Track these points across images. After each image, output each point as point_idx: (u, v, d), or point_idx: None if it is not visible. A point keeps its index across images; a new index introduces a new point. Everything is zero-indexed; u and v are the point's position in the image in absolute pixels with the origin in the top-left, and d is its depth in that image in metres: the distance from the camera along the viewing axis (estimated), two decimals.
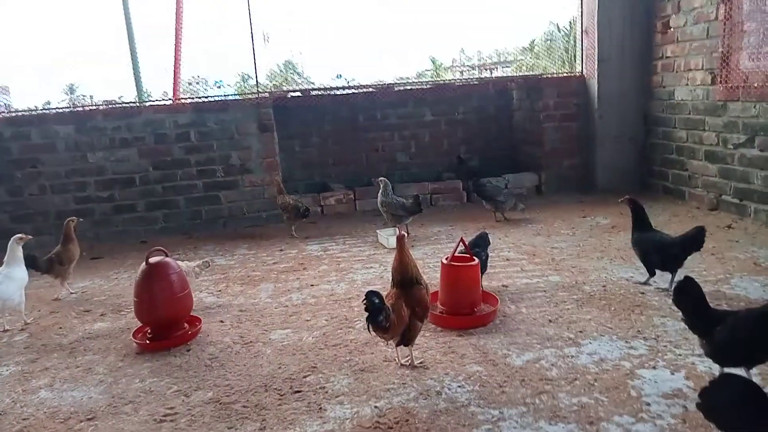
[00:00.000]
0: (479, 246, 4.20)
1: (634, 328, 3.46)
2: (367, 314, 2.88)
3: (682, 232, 4.16)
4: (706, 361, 2.99)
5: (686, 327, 3.35)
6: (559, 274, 4.52)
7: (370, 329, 2.95)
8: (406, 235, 3.29)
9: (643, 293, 4.01)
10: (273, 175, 6.70)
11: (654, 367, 3.00)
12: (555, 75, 7.86)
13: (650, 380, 2.87)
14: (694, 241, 3.90)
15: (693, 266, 4.46)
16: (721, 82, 5.91)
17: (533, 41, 9.55)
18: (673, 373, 2.92)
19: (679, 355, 3.10)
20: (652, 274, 4.14)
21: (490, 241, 4.45)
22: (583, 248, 5.17)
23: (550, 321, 3.66)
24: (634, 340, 3.32)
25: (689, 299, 2.74)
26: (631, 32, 7.11)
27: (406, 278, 3.13)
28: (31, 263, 4.46)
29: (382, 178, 6.07)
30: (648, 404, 2.66)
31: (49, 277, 4.81)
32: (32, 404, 3.05)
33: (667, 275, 4.06)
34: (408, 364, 3.15)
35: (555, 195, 7.45)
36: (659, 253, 4.02)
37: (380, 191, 5.96)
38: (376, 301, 2.86)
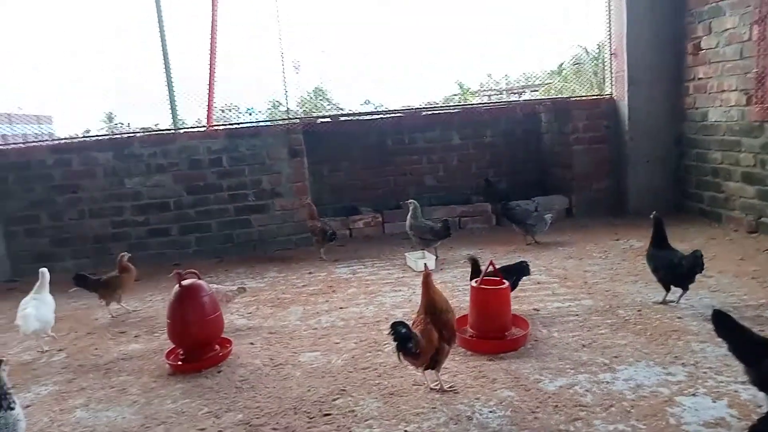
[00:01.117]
0: (515, 273, 4.18)
1: (672, 354, 3.36)
2: (396, 343, 2.88)
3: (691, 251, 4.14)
4: (750, 388, 2.87)
5: (727, 353, 3.26)
6: (592, 298, 4.43)
7: (401, 357, 2.95)
8: (432, 272, 3.30)
9: (680, 318, 3.89)
10: (304, 200, 6.80)
11: (694, 395, 2.89)
12: (584, 98, 7.81)
13: (690, 408, 2.77)
14: (694, 263, 3.97)
15: (733, 290, 4.33)
16: (756, 102, 5.79)
17: (561, 64, 9.54)
18: (714, 401, 2.81)
19: (721, 382, 2.99)
20: (666, 289, 4.16)
21: (530, 272, 4.39)
22: (617, 271, 5.07)
23: (583, 346, 3.57)
24: (672, 366, 3.21)
25: (725, 331, 2.64)
26: (661, 54, 7.04)
27: (434, 310, 3.12)
28: (80, 281, 4.88)
29: (411, 201, 6.09)
30: None
31: (95, 295, 4.99)
32: (68, 424, 3.11)
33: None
34: (438, 388, 3.12)
35: (585, 218, 7.34)
36: (667, 269, 4.11)
37: (410, 214, 5.98)
38: (403, 330, 2.88)
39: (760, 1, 5.57)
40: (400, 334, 2.86)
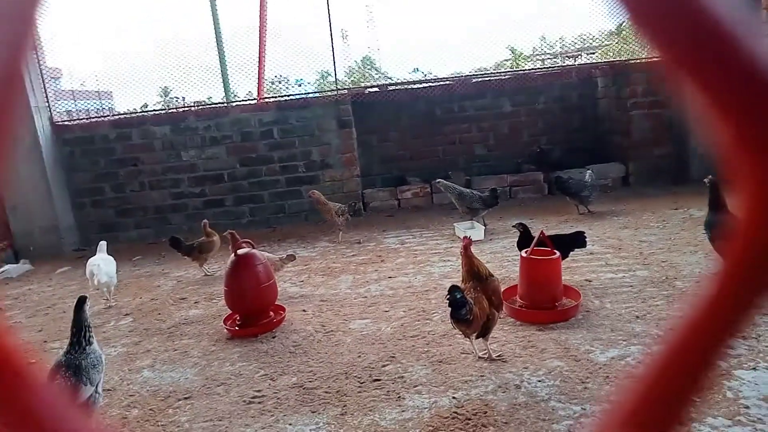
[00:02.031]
0: (571, 245, 4.12)
1: None
2: (450, 309, 2.91)
3: None
4: None
5: None
6: (647, 269, 4.30)
7: (454, 323, 2.98)
8: (471, 240, 3.31)
9: None
10: (310, 192, 6.22)
11: (754, 369, 2.79)
12: (644, 60, 7.43)
13: (749, 382, 2.68)
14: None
15: None
16: None
17: (620, 25, 9.07)
18: None
19: None
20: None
21: (586, 243, 4.30)
22: (675, 242, 4.89)
23: (637, 317, 3.49)
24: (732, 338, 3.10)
25: None
26: (731, 7, 6.57)
27: (479, 276, 3.17)
28: (175, 244, 5.29)
29: (439, 180, 6.10)
30: (747, 407, 2.49)
31: (188, 259, 5.38)
32: (137, 382, 3.34)
33: None
34: (486, 356, 3.14)
35: (644, 186, 7.07)
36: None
37: (449, 193, 5.97)
38: (459, 296, 2.90)
39: None
40: (456, 299, 2.88)
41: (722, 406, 2.52)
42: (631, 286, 4.01)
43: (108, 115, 7.69)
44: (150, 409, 3.01)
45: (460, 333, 3.12)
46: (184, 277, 5.40)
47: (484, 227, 5.72)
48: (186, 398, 3.09)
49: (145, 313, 4.50)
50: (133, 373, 3.45)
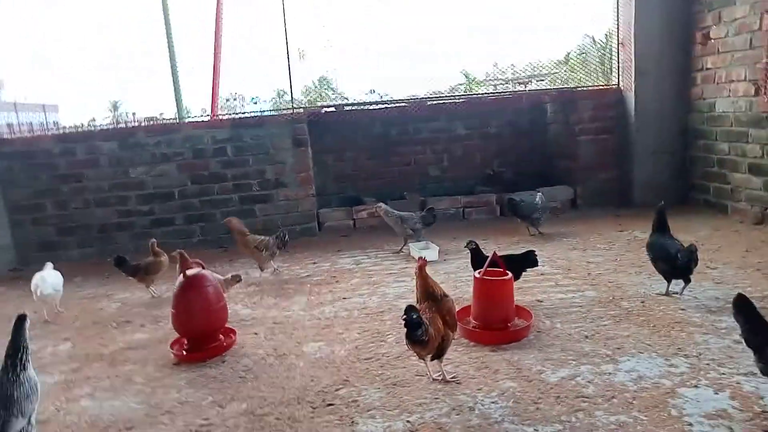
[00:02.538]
0: (524, 264, 4.23)
1: (675, 345, 3.36)
2: (406, 329, 2.90)
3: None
4: (752, 380, 2.88)
5: (730, 345, 3.28)
6: (595, 289, 4.43)
7: (409, 344, 2.97)
8: (426, 261, 3.33)
9: (683, 309, 3.89)
10: (227, 222, 5.63)
11: (696, 386, 2.90)
12: (590, 88, 7.75)
13: (692, 399, 2.77)
14: (689, 258, 3.96)
15: (737, 282, 4.32)
16: (765, 93, 5.73)
17: (568, 54, 9.45)
18: (716, 393, 2.81)
19: (723, 373, 2.99)
20: (667, 281, 4.16)
21: (537, 263, 4.40)
22: (621, 263, 5.06)
23: (586, 337, 3.58)
24: (675, 357, 3.21)
25: (740, 316, 2.69)
26: (670, 44, 6.97)
27: (433, 296, 3.18)
28: (120, 264, 5.10)
29: (380, 204, 6.18)
30: (690, 425, 2.57)
31: (133, 280, 5.19)
32: (74, 412, 3.15)
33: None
34: (440, 378, 3.13)
35: (591, 209, 7.31)
36: (665, 261, 4.10)
37: (385, 216, 6.02)
38: (414, 316, 2.89)
39: None
40: (412, 320, 2.87)
41: (667, 424, 2.59)
42: (580, 306, 4.11)
43: (52, 129, 7.37)
44: None
45: (415, 354, 3.11)
46: (129, 299, 5.18)
47: (438, 248, 5.76)
48: (128, 429, 2.94)
49: (86, 338, 4.28)
50: (70, 403, 3.26)
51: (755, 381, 2.86)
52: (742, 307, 2.70)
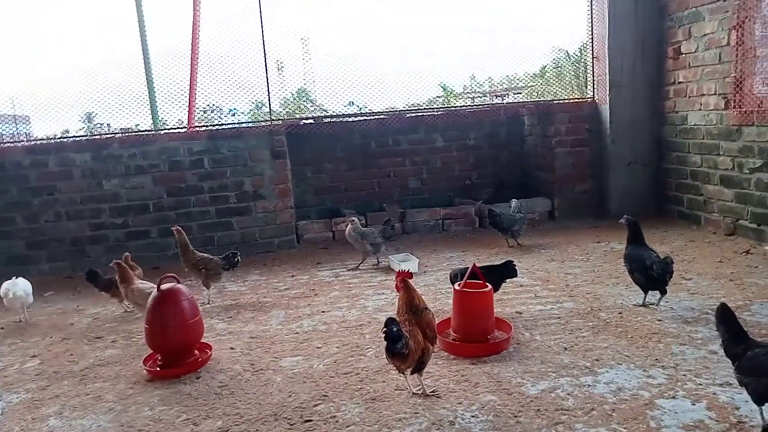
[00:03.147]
0: (505, 275, 4.24)
1: (652, 357, 3.38)
2: (386, 342, 2.86)
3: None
4: (728, 390, 2.91)
5: (706, 355, 3.31)
6: (573, 301, 4.45)
7: (389, 358, 2.93)
8: (411, 274, 3.31)
9: (660, 320, 3.92)
10: (175, 227, 5.32)
11: (673, 397, 2.91)
12: (566, 101, 7.87)
13: (670, 411, 2.78)
14: (665, 269, 4.00)
15: (712, 293, 4.38)
16: (734, 106, 5.88)
17: (544, 67, 9.60)
18: (693, 404, 2.83)
19: (700, 384, 3.01)
20: (644, 291, 4.19)
21: (516, 273, 4.40)
22: (598, 274, 5.10)
23: (565, 349, 3.58)
24: (653, 368, 3.23)
25: (722, 325, 2.73)
26: (643, 58, 7.13)
27: (415, 309, 3.14)
28: (92, 278, 5.00)
29: (353, 218, 6.08)
30: None
31: (106, 294, 5.06)
32: None
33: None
34: (420, 392, 3.09)
35: (568, 220, 7.39)
36: (641, 272, 4.13)
37: (351, 229, 5.86)
38: (395, 329, 2.86)
39: (738, 7, 5.66)
40: (392, 332, 2.83)
41: None
42: (558, 317, 4.12)
43: (22, 140, 7.19)
44: None
45: (395, 368, 3.07)
46: (101, 314, 5.04)
47: (417, 260, 5.74)
48: None
49: (56, 354, 4.14)
50: (37, 422, 3.14)
51: (731, 391, 2.88)
52: (724, 316, 2.73)
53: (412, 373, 3.08)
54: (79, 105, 7.75)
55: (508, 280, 4.41)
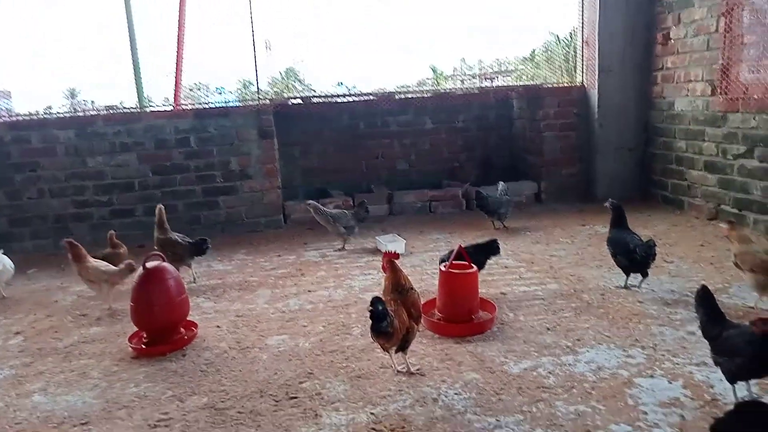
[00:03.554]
0: (490, 253, 4.27)
1: (632, 337, 3.44)
2: (371, 321, 2.89)
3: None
4: (703, 370, 2.98)
5: (684, 336, 3.38)
6: (557, 282, 4.51)
7: (374, 336, 2.96)
8: (399, 255, 3.36)
9: (641, 302, 3.99)
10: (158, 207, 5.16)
11: (651, 376, 2.98)
12: (555, 85, 7.87)
13: (647, 389, 2.85)
14: (648, 252, 4.05)
15: (692, 275, 4.46)
16: (721, 93, 5.92)
17: (534, 51, 9.58)
18: (670, 382, 2.90)
19: (677, 363, 3.08)
20: (626, 274, 4.25)
21: (500, 251, 4.47)
22: (582, 256, 5.16)
23: (548, 329, 3.64)
24: (632, 348, 3.30)
25: (701, 307, 2.81)
26: (632, 43, 7.13)
27: (401, 289, 3.18)
28: None
29: (310, 202, 6.00)
30: (645, 413, 2.64)
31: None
32: (25, 409, 3.03)
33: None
34: (405, 371, 3.14)
35: (554, 204, 7.44)
36: (624, 255, 4.19)
37: (313, 211, 5.84)
38: (380, 308, 2.88)
39: None
40: (378, 311, 2.86)
41: (624, 413, 2.66)
42: (542, 298, 4.17)
43: (4, 116, 7.06)
44: None
45: (380, 347, 3.10)
46: (85, 291, 4.99)
47: (404, 241, 5.77)
48: (83, 424, 2.85)
49: (39, 332, 4.12)
50: (21, 398, 3.14)
51: (706, 370, 2.96)
52: (704, 298, 2.80)
53: (396, 351, 3.11)
54: (64, 81, 7.63)
55: (493, 260, 4.47)
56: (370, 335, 3.04)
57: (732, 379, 2.60)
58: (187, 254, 4.95)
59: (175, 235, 5.03)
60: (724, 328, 2.67)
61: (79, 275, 4.50)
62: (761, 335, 2.42)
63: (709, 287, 2.87)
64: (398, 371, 3.14)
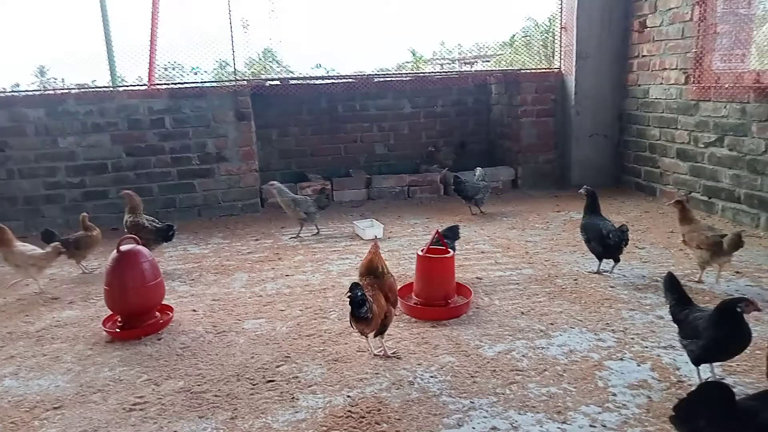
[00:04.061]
0: (448, 237, 4.27)
1: (603, 321, 3.53)
2: (350, 307, 2.91)
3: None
4: (671, 353, 3.08)
5: (653, 320, 3.48)
6: (532, 267, 4.58)
7: (353, 322, 2.99)
8: (379, 240, 3.41)
9: (612, 287, 4.09)
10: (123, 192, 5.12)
11: (621, 359, 3.07)
12: (533, 70, 7.91)
13: (617, 371, 2.94)
14: (621, 237, 4.16)
15: (662, 261, 4.58)
16: (693, 82, 6.03)
17: (513, 36, 9.60)
18: (639, 365, 2.99)
19: (646, 347, 3.18)
20: (599, 259, 4.34)
21: (460, 234, 4.54)
22: (556, 242, 5.25)
23: (522, 313, 3.71)
24: (603, 332, 3.38)
25: (669, 292, 2.92)
26: (609, 30, 7.19)
27: (377, 273, 3.21)
28: (48, 238, 4.71)
29: (273, 182, 5.84)
30: (614, 394, 2.73)
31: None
32: None
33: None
34: (381, 354, 3.17)
35: (531, 189, 7.53)
36: (597, 241, 4.28)
37: (277, 192, 5.73)
38: (359, 293, 2.90)
39: None
40: (357, 297, 2.88)
41: (594, 394, 2.74)
42: (517, 283, 4.24)
43: None
44: (11, 422, 2.71)
45: (357, 331, 3.12)
46: (57, 275, 4.92)
47: (382, 226, 5.78)
48: (56, 408, 2.82)
49: (10, 315, 4.05)
50: None
51: (674, 353, 3.06)
52: (671, 283, 2.90)
53: (375, 336, 3.14)
54: (32, 58, 7.40)
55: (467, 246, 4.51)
56: (348, 321, 3.06)
57: (696, 362, 2.70)
58: (153, 239, 4.81)
59: (146, 219, 4.94)
60: (691, 311, 2.76)
61: (5, 260, 4.41)
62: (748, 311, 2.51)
63: (678, 273, 2.96)
64: (375, 355, 3.18)
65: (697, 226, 4.12)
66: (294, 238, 5.74)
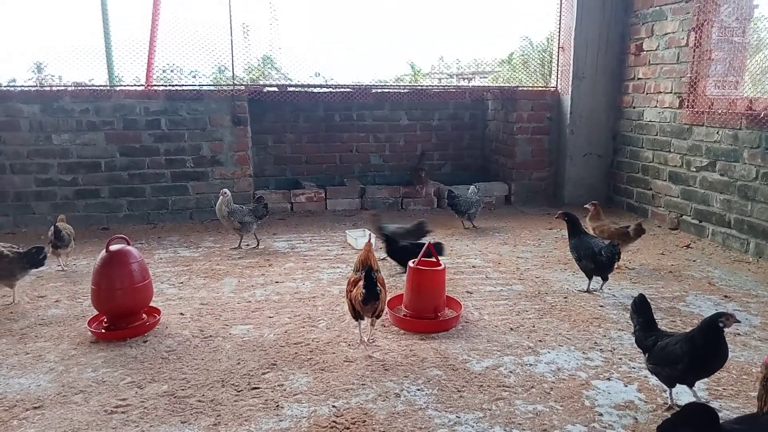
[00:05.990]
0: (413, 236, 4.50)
1: (592, 340, 3.53)
2: (365, 288, 3.09)
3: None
4: None
5: None
6: (522, 284, 4.58)
7: (363, 304, 3.16)
8: (372, 242, 3.54)
9: (602, 306, 4.10)
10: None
11: (608, 379, 3.06)
12: (530, 88, 7.98)
13: (604, 391, 2.93)
14: (613, 251, 4.21)
15: (652, 282, 4.60)
16: (687, 106, 6.10)
17: (511, 54, 9.68)
18: (626, 385, 2.99)
19: (633, 367, 3.18)
20: (589, 278, 4.38)
21: (444, 252, 4.71)
22: (548, 259, 5.26)
23: (511, 329, 3.70)
24: (591, 351, 3.38)
25: (636, 315, 2.89)
26: (606, 52, 7.28)
27: (370, 267, 3.32)
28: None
29: (224, 190, 5.59)
30: (600, 414, 2.72)
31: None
32: None
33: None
34: (372, 341, 3.39)
35: (523, 206, 7.56)
36: (589, 259, 4.31)
37: (224, 203, 5.46)
38: (372, 275, 3.13)
39: (698, 9, 5.84)
40: (371, 279, 3.09)
41: (580, 414, 2.73)
42: (507, 299, 4.24)
43: None
44: None
45: (358, 314, 3.27)
46: (44, 272, 4.86)
47: (374, 236, 5.76)
48: (36, 408, 2.78)
49: None
50: None
51: None
52: (642, 306, 2.87)
53: (374, 317, 3.29)
54: (29, 54, 7.37)
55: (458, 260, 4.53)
56: (359, 301, 3.16)
57: (671, 383, 2.71)
58: (16, 265, 4.07)
59: (1, 246, 4.11)
60: (658, 337, 2.75)
61: None
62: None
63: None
64: (366, 343, 3.37)
65: (603, 221, 5.08)
66: (234, 249, 5.58)
